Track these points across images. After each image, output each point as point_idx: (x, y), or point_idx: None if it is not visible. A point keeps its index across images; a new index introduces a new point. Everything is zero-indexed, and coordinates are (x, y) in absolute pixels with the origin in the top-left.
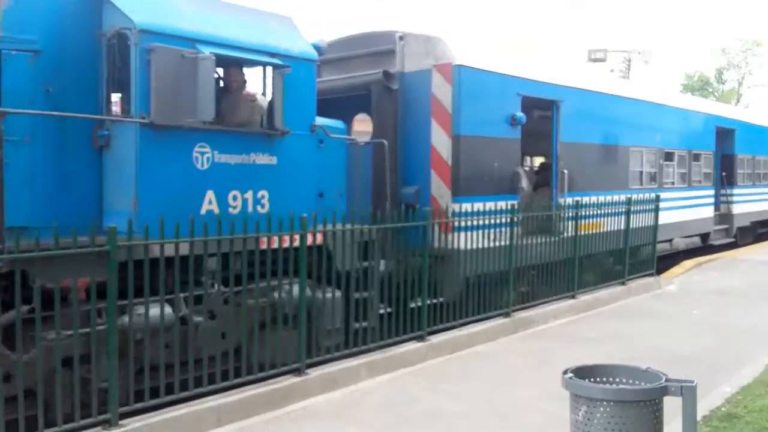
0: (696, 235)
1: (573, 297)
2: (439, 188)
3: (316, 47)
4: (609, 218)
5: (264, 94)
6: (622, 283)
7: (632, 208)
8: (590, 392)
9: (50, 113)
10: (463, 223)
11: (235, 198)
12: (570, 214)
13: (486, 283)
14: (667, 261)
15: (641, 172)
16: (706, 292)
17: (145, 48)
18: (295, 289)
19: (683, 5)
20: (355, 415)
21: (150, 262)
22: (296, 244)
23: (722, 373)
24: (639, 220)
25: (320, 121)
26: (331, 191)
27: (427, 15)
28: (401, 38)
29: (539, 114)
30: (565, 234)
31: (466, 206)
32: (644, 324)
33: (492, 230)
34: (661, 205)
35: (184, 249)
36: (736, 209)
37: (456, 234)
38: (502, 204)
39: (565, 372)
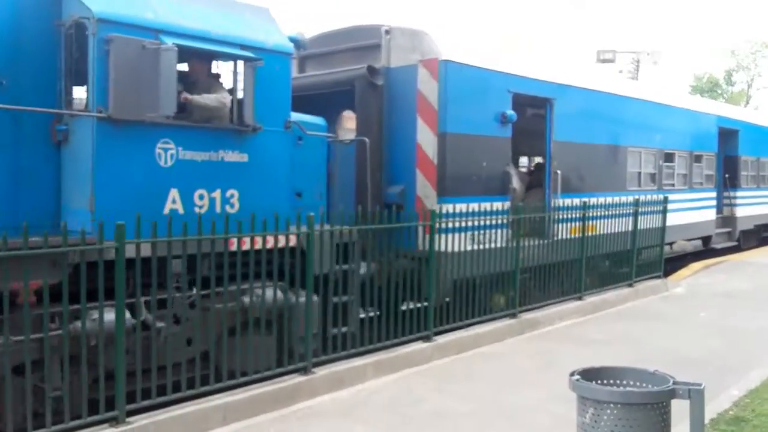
0: (697, 239)
1: (580, 298)
2: (425, 188)
3: (295, 41)
4: (616, 220)
5: (234, 88)
6: (630, 285)
7: (640, 210)
8: (597, 394)
9: (2, 106)
10: (450, 225)
11: (201, 197)
12: (577, 215)
13: (474, 287)
14: (674, 263)
15: (640, 173)
16: (714, 294)
17: (104, 38)
18: (266, 293)
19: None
20: (362, 415)
21: (108, 264)
22: (269, 245)
23: (730, 376)
24: (646, 222)
25: (297, 117)
26: (311, 191)
27: (427, 13)
28: (387, 32)
29: (533, 112)
30: (558, 237)
31: (453, 207)
32: (651, 326)
33: (478, 232)
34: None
35: (145, 250)
36: (740, 212)
37: (441, 236)
38: (488, 205)
39: (572, 374)
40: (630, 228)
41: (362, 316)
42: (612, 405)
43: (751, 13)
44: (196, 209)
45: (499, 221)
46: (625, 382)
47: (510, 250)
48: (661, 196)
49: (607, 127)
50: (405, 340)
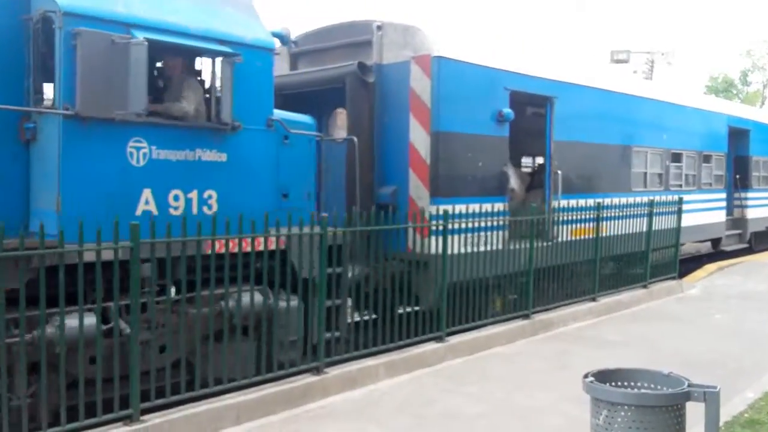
0: (706, 241)
1: (593, 300)
2: (418, 189)
3: (279, 36)
4: (628, 221)
5: (213, 85)
6: (644, 287)
7: (655, 210)
8: (611, 396)
9: None
10: (442, 227)
11: (176, 198)
12: (591, 215)
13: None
14: (689, 264)
15: (645, 174)
16: (729, 296)
17: (71, 32)
18: (245, 298)
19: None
20: (374, 415)
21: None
22: (253, 248)
23: (745, 379)
24: (660, 223)
25: (281, 115)
26: (298, 191)
27: (424, 13)
28: (379, 28)
29: (534, 111)
30: (560, 239)
31: (446, 208)
32: (666, 327)
33: (474, 234)
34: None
35: (111, 254)
36: (751, 213)
37: (434, 238)
38: (487, 206)
39: (585, 375)
40: (642, 229)
41: (357, 319)
42: (626, 407)
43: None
44: (171, 211)
45: (498, 223)
46: (639, 384)
47: (522, 252)
48: (674, 197)
49: (611, 126)
50: (417, 341)
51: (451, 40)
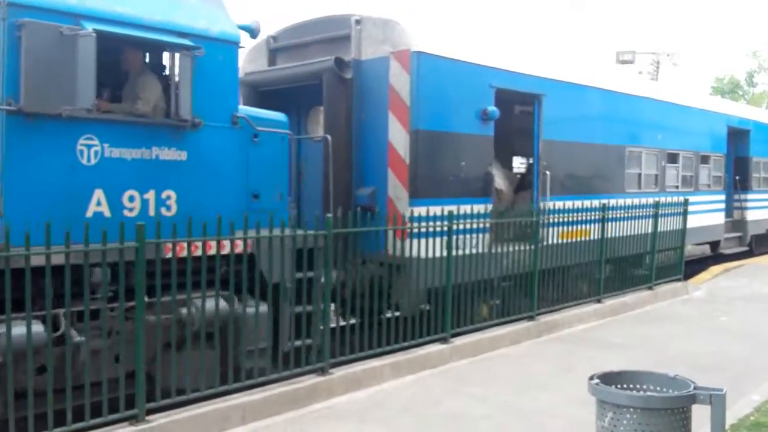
0: (704, 243)
1: (599, 301)
2: (396, 189)
3: (248, 29)
4: (632, 222)
5: (172, 79)
6: (649, 288)
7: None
8: (617, 399)
9: None
10: (418, 229)
11: (132, 198)
12: (597, 216)
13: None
14: (694, 266)
15: (639, 175)
16: (734, 298)
17: (15, 23)
18: (205, 303)
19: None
20: (379, 416)
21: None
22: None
23: (750, 381)
24: (665, 224)
25: (250, 112)
26: (269, 192)
27: (427, 11)
28: (358, 22)
29: (524, 110)
30: (546, 242)
31: (424, 210)
32: (671, 329)
33: (454, 236)
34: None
35: (59, 259)
36: (751, 216)
37: (412, 241)
38: (465, 208)
39: (591, 378)
40: (643, 231)
41: (342, 323)
42: (632, 410)
43: None
44: (126, 212)
45: (480, 225)
46: (644, 386)
47: (495, 257)
48: (678, 198)
49: (603, 125)
50: (422, 342)
51: (433, 35)
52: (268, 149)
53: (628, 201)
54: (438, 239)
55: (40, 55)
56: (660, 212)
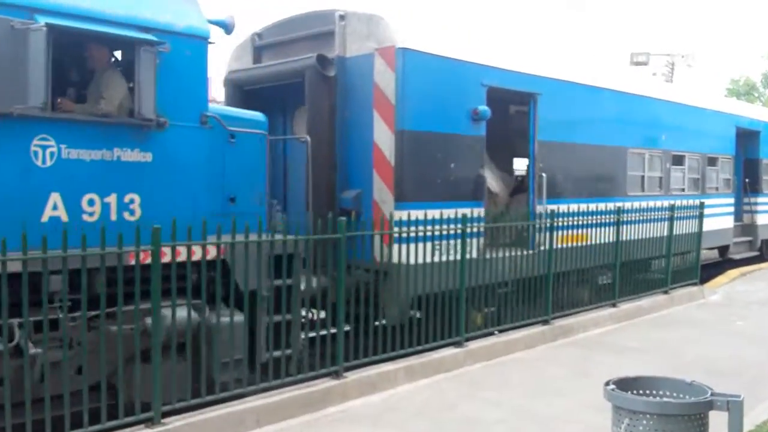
0: (712, 248)
1: (614, 305)
2: (382, 192)
3: (222, 25)
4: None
5: (136, 76)
6: (665, 292)
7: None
8: (633, 405)
9: None
10: (405, 234)
11: (91, 202)
12: (612, 219)
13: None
14: (710, 270)
15: (642, 177)
16: (751, 302)
17: None
18: (170, 312)
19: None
20: (393, 420)
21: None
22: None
23: (767, 387)
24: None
25: (222, 111)
26: (247, 195)
27: (427, 11)
28: (342, 18)
29: (521, 110)
30: (543, 247)
31: (409, 214)
32: (687, 334)
33: (442, 241)
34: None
35: (12, 266)
36: (761, 219)
37: (398, 246)
38: (450, 212)
39: (607, 383)
40: (657, 234)
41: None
42: (648, 416)
43: None
44: (86, 217)
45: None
46: (661, 392)
47: (481, 263)
48: (689, 201)
49: (603, 126)
50: (436, 346)
51: (421, 31)
52: (245, 150)
53: (628, 205)
54: (422, 245)
55: None
56: (675, 215)
